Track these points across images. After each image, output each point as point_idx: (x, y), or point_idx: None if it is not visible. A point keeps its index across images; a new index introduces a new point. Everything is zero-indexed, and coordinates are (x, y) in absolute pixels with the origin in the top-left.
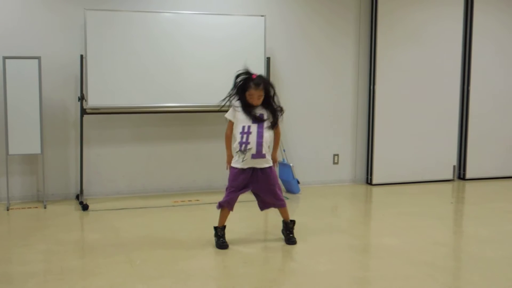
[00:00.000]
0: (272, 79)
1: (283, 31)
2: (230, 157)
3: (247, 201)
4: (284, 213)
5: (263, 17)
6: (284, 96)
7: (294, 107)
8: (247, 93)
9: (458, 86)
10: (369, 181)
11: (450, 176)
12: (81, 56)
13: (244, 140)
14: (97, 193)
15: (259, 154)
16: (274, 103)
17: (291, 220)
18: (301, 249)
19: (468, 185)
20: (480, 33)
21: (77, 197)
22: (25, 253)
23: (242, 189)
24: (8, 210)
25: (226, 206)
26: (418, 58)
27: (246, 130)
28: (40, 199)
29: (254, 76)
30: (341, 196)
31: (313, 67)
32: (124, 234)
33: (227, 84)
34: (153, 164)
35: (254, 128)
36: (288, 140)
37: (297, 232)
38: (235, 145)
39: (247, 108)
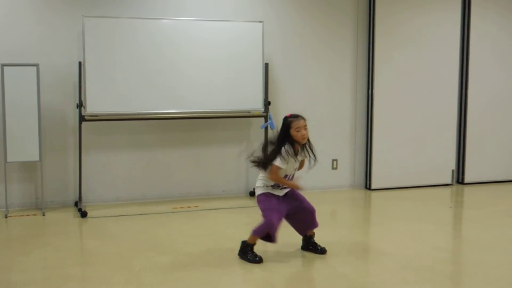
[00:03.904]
0: (270, 85)
1: (281, 36)
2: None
3: (245, 207)
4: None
5: (261, 23)
6: (282, 102)
7: (292, 113)
8: (294, 130)
9: (456, 90)
10: (368, 186)
11: (449, 181)
12: (80, 63)
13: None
14: (96, 200)
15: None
16: (310, 143)
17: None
18: (300, 255)
19: (467, 190)
20: (477, 37)
21: (76, 204)
22: (24, 260)
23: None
24: (6, 217)
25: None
26: (416, 62)
27: (289, 178)
28: (39, 207)
29: (288, 115)
30: (340, 201)
31: (311, 72)
32: (123, 241)
33: (226, 89)
34: (152, 171)
35: (294, 175)
36: None
37: (297, 238)
38: (269, 181)
39: (294, 155)
